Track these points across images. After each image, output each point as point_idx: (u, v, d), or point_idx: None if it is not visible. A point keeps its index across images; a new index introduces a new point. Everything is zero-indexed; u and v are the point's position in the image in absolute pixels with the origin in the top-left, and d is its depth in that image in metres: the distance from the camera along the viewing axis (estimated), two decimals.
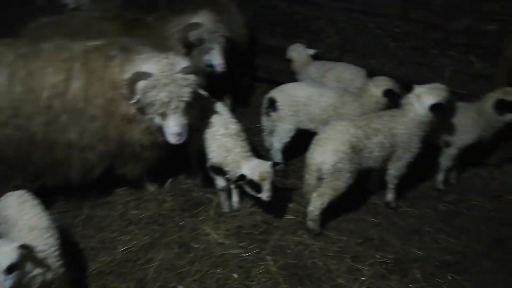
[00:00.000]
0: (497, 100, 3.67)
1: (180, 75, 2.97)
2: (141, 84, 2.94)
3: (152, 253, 3.23)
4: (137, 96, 2.96)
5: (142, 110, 3.08)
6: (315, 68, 4.52)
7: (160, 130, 3.15)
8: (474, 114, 3.77)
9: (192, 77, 3.05)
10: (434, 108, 3.35)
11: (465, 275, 3.15)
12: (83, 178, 3.39)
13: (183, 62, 3.04)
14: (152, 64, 2.95)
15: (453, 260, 3.28)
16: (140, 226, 3.47)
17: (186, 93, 2.99)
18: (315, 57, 4.74)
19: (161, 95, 2.91)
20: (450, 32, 4.31)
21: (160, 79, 2.91)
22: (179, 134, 3.04)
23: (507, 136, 4.08)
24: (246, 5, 5.21)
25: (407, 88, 3.50)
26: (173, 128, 3.02)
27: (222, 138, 3.39)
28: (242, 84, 5.22)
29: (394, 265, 3.20)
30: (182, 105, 2.99)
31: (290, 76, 4.79)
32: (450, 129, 3.80)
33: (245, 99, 5.41)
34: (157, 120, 3.08)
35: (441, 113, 3.44)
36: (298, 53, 4.72)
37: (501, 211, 3.82)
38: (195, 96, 3.08)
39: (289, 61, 4.80)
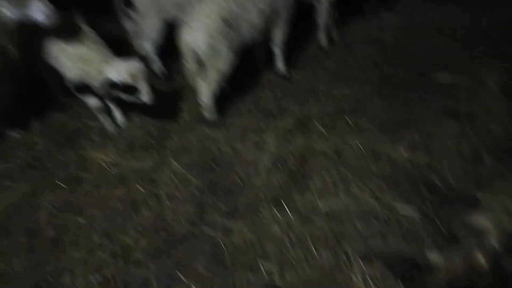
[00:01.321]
0: None
1: None
2: None
3: (38, 200, 2.78)
4: None
5: None
6: None
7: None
8: None
9: None
10: None
11: (362, 116, 3.25)
12: None
13: None
14: None
15: (349, 107, 3.37)
16: (14, 178, 2.92)
17: None
18: None
19: None
20: None
21: None
22: (50, 11, 2.60)
23: None
24: None
25: None
26: (39, 4, 2.57)
27: (74, 49, 2.85)
28: None
29: (296, 127, 3.18)
30: None
31: None
32: None
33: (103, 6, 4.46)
34: (12, 12, 2.60)
35: None
36: None
37: (383, 53, 3.97)
38: None
39: None
